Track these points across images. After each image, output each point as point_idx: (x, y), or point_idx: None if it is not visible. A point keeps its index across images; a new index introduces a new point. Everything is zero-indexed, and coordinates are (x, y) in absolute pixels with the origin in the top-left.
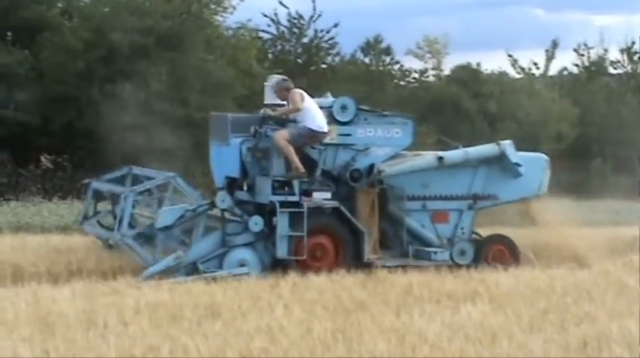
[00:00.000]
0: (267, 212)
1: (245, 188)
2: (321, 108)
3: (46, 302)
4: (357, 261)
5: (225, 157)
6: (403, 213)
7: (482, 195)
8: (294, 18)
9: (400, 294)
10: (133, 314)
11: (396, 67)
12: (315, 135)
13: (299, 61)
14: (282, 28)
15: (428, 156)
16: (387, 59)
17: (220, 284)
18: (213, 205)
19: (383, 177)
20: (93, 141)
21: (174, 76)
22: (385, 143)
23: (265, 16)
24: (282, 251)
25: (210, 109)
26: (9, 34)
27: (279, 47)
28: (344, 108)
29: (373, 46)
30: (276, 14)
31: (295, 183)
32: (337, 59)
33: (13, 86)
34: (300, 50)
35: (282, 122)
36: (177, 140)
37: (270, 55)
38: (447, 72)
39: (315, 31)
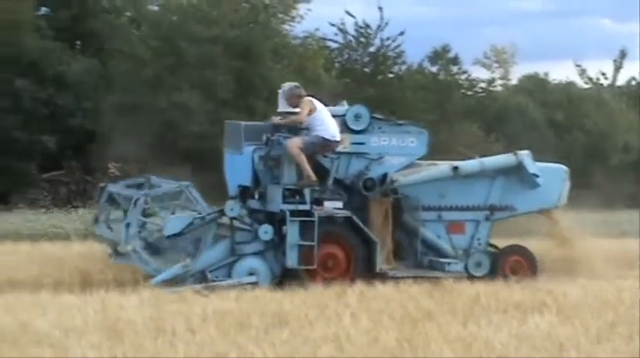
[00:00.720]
0: (277, 221)
1: (256, 196)
2: (334, 116)
3: (114, 309)
4: (369, 272)
5: (238, 165)
6: (418, 224)
7: (499, 206)
8: (361, 27)
9: (467, 304)
10: (201, 322)
11: (464, 76)
12: (327, 144)
13: (366, 70)
14: (349, 37)
15: (443, 166)
16: (455, 68)
17: (287, 292)
18: (222, 213)
19: (396, 187)
20: (162, 148)
21: (241, 85)
22: (400, 152)
23: (332, 25)
24: (291, 260)
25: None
26: (78, 42)
27: (346, 56)
28: (358, 116)
29: (441, 56)
30: (343, 23)
31: (306, 192)
32: (404, 68)
33: (81, 94)
34: (367, 59)
35: (295, 130)
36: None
37: (337, 64)
38: (514, 81)
39: (382, 40)
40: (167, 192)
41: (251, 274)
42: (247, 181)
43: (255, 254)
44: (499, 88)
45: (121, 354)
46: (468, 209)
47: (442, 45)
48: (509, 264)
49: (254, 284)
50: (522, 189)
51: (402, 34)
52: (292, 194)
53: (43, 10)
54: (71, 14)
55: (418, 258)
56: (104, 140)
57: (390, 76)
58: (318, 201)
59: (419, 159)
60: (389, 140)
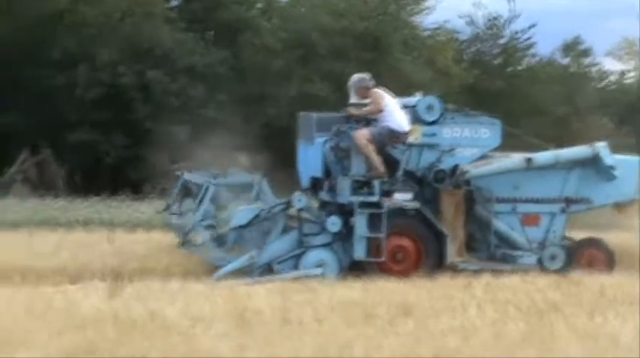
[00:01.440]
0: (346, 212)
1: (326, 188)
2: (405, 107)
3: (242, 298)
4: (439, 264)
5: (309, 157)
6: (491, 216)
7: (575, 199)
8: (491, 19)
9: (593, 296)
10: (327, 312)
11: (595, 68)
12: (395, 135)
13: (496, 62)
14: (478, 29)
15: (516, 158)
16: (586, 61)
17: (413, 283)
18: (289, 205)
19: (467, 178)
20: (288, 140)
21: (371, 76)
22: (472, 144)
23: (462, 17)
24: (359, 252)
25: None
26: (210, 34)
27: (476, 48)
28: (429, 107)
29: (572, 47)
30: (471, 15)
31: (375, 184)
32: (534, 60)
33: (214, 86)
34: (496, 51)
35: (366, 121)
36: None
37: (466, 56)
38: None
39: (512, 32)
40: (238, 183)
41: (319, 266)
42: (318, 172)
43: (323, 246)
44: (631, 80)
45: (250, 344)
46: (543, 201)
47: (573, 37)
48: (585, 257)
49: (320, 276)
50: (599, 181)
51: (532, 26)
52: (361, 186)
53: (175, 1)
54: (203, 6)
55: (491, 250)
56: (236, 131)
57: (520, 68)
58: (387, 193)
59: (493, 150)
60: (461, 131)
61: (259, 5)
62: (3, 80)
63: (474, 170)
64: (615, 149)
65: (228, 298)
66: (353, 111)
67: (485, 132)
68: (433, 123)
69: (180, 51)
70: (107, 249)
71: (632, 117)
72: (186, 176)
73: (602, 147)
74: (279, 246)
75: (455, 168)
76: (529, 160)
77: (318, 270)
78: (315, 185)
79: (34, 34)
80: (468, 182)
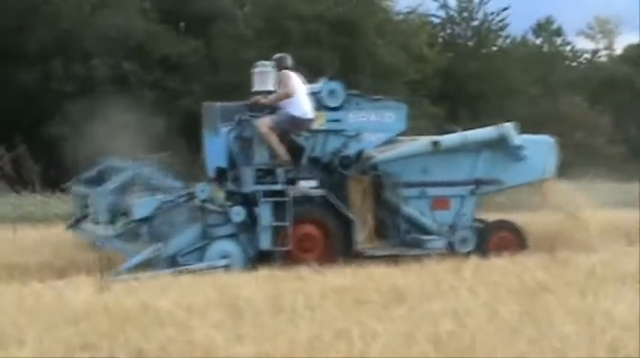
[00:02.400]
0: (251, 202)
1: (231, 178)
2: (310, 94)
3: (232, 288)
4: (348, 251)
5: (214, 147)
6: (400, 201)
7: (485, 180)
8: (464, 1)
9: (583, 275)
10: (320, 299)
11: (568, 47)
12: (299, 122)
13: (469, 44)
14: (451, 12)
15: (422, 141)
16: (559, 40)
17: (402, 268)
18: (192, 196)
19: (373, 164)
20: None
21: (346, 62)
22: (378, 128)
23: (435, 0)
24: (265, 242)
25: (382, 94)
26: (182, 23)
27: (449, 31)
28: (332, 93)
29: (544, 27)
30: None
31: (279, 172)
32: (508, 41)
33: (188, 77)
34: (470, 33)
35: (269, 109)
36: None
37: (440, 39)
38: (618, 52)
39: (485, 14)
40: (125, 179)
41: (224, 257)
42: (224, 163)
43: (228, 237)
44: (603, 59)
45: (244, 333)
46: (452, 184)
47: (546, 17)
48: (496, 239)
49: (226, 267)
50: (508, 162)
51: (506, 9)
52: (264, 174)
53: None
54: None
55: (401, 235)
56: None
57: (494, 49)
58: (292, 181)
59: (399, 134)
60: (367, 116)
61: None
62: None
63: (380, 155)
64: (589, 130)
65: (218, 288)
66: (262, 100)
67: (390, 116)
68: (337, 108)
69: (154, 42)
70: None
71: (604, 96)
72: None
73: (508, 127)
74: (183, 237)
75: (360, 153)
76: (436, 143)
77: (223, 261)
78: (221, 175)
79: (8, 27)
80: (375, 167)
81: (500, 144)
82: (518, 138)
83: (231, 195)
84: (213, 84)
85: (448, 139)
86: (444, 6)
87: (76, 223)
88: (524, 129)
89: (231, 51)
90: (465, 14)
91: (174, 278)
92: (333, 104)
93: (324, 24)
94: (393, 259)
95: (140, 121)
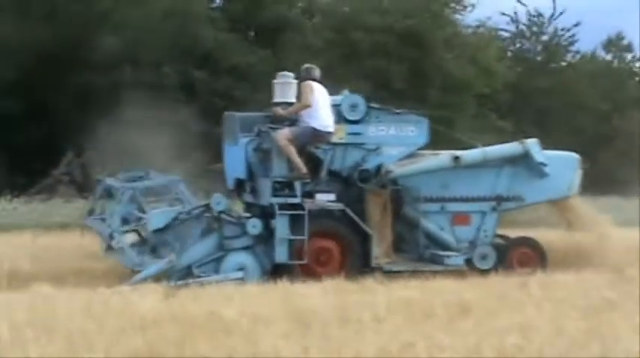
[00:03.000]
0: (269, 214)
1: (248, 190)
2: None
3: (299, 298)
4: (365, 266)
5: (234, 158)
6: (419, 216)
7: (506, 197)
8: (534, 16)
9: None
10: (386, 311)
11: (638, 64)
12: (318, 135)
13: (538, 59)
14: (521, 26)
15: (443, 156)
16: (629, 56)
17: (469, 281)
18: (208, 208)
19: (392, 178)
20: None
21: (414, 74)
22: (399, 142)
23: (504, 14)
24: (281, 255)
25: (451, 107)
26: (251, 33)
27: (519, 45)
28: (353, 106)
29: (614, 43)
30: (515, 12)
31: (297, 185)
32: (577, 57)
33: (257, 85)
34: (539, 48)
35: (289, 121)
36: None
37: (509, 53)
38: None
39: (555, 29)
40: (155, 186)
41: (240, 269)
42: (242, 174)
43: (244, 249)
44: None
45: (311, 344)
46: (473, 200)
47: (616, 32)
48: (517, 256)
49: (241, 280)
50: (530, 178)
51: (577, 24)
52: (282, 187)
53: (217, 1)
54: (244, 6)
55: (420, 251)
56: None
57: (563, 64)
58: (309, 194)
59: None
60: (387, 129)
61: (301, 4)
62: (47, 81)
63: (399, 169)
64: None
65: (284, 298)
66: (280, 111)
67: (412, 130)
68: (357, 121)
69: (223, 51)
70: None
71: None
72: (108, 181)
73: (532, 143)
74: (199, 249)
75: (379, 167)
76: (456, 158)
77: (239, 274)
78: (240, 187)
79: (78, 35)
80: (395, 181)
81: (523, 160)
82: (541, 154)
83: (249, 207)
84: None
85: (469, 154)
86: (514, 20)
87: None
88: (593, 145)
89: (300, 61)
90: (535, 29)
91: (239, 286)
92: (353, 117)
93: (393, 36)
94: (457, 273)
95: (207, 129)
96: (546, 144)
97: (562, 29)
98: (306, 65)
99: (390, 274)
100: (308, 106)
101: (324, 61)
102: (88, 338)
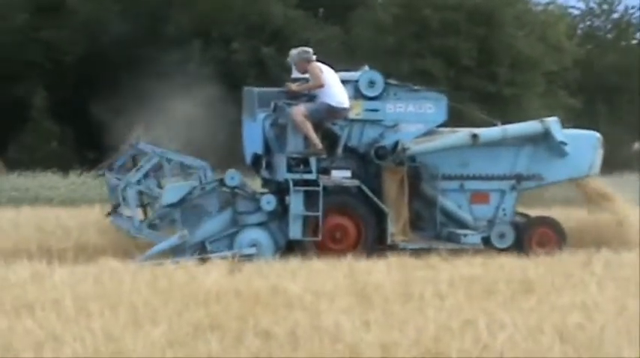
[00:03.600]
0: (284, 190)
1: (264, 165)
2: (347, 82)
3: (362, 274)
4: (380, 243)
5: (252, 133)
6: (437, 193)
7: (526, 175)
8: None
9: None
10: (448, 288)
11: None
12: (334, 111)
13: (608, 36)
14: (591, 4)
15: (461, 134)
16: None
17: (533, 260)
18: (222, 183)
19: (409, 155)
20: None
21: (483, 52)
22: (417, 119)
23: None
24: (295, 231)
25: (520, 85)
26: (321, 10)
27: (588, 23)
28: (371, 82)
29: None
30: None
31: (312, 161)
32: None
33: (325, 62)
34: (609, 26)
35: (307, 97)
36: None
37: (579, 31)
38: None
39: (626, 7)
40: (182, 162)
41: (253, 246)
42: (259, 149)
43: (258, 225)
44: None
45: (372, 319)
46: (492, 178)
47: None
48: (537, 236)
49: (253, 256)
50: (550, 157)
51: None
52: (297, 163)
53: None
54: None
55: (437, 229)
56: None
57: (634, 42)
58: (325, 170)
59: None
60: (405, 107)
61: None
62: (118, 57)
63: (416, 146)
64: None
65: (348, 274)
66: (293, 87)
67: (430, 107)
68: (375, 98)
69: (292, 27)
70: None
71: None
72: (140, 145)
73: (553, 122)
74: (212, 224)
75: (396, 144)
76: (475, 136)
77: (252, 250)
78: (258, 162)
79: (148, 11)
80: (413, 159)
81: (543, 139)
82: (562, 133)
83: (266, 183)
84: (351, 69)
85: (488, 132)
86: None
87: (114, 210)
88: None
89: (370, 38)
90: (605, 7)
91: (304, 262)
92: (371, 94)
93: (462, 13)
94: (516, 252)
95: None
96: (616, 122)
97: (632, 7)
98: (302, 48)
99: (454, 251)
100: (321, 86)
101: (393, 38)
102: (152, 311)
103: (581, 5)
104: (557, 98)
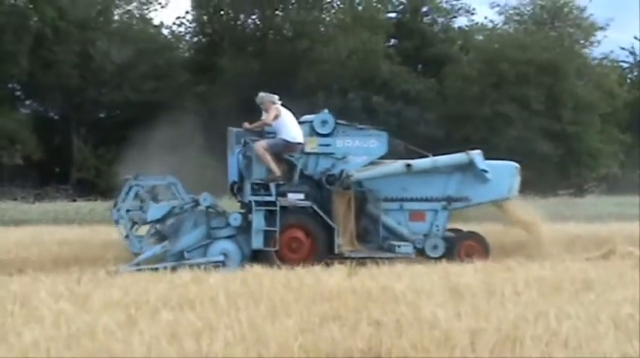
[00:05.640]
0: (250, 210)
1: (236, 190)
2: (305, 122)
3: (454, 275)
4: (330, 253)
5: (231, 165)
6: (380, 212)
7: (455, 198)
8: None
9: None
10: (524, 286)
11: None
12: (289, 146)
13: None
14: (638, 58)
15: (397, 164)
16: None
17: (592, 263)
18: (197, 203)
19: (352, 181)
20: (486, 150)
21: (550, 98)
22: (362, 152)
23: (623, 48)
24: (257, 243)
25: (581, 124)
26: (420, 66)
27: (636, 73)
28: (324, 122)
29: None
30: (632, 46)
31: (272, 186)
32: None
33: (424, 108)
34: None
35: (267, 134)
36: (552, 149)
37: (628, 80)
38: None
39: None
40: (154, 184)
41: (224, 255)
42: (235, 177)
43: (227, 237)
44: None
45: (463, 312)
46: (427, 200)
47: None
48: (464, 247)
49: (222, 263)
50: (475, 183)
51: None
52: (259, 187)
53: (392, 41)
54: (414, 44)
55: (380, 241)
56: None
57: None
58: (282, 194)
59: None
60: (352, 142)
61: (459, 42)
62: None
63: (357, 174)
64: None
65: (443, 275)
66: (247, 125)
67: (373, 142)
68: (327, 135)
69: (397, 80)
70: None
71: None
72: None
73: (476, 154)
74: (190, 237)
75: (341, 172)
76: (408, 166)
77: (220, 257)
78: (233, 187)
79: (281, 68)
80: (360, 184)
81: (469, 168)
82: (484, 163)
83: (243, 205)
84: (444, 114)
85: (420, 162)
86: (632, 53)
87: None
88: None
89: (459, 87)
90: None
91: (407, 266)
92: (324, 131)
93: (533, 67)
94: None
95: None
96: None
97: None
98: (268, 94)
99: (528, 256)
100: (268, 124)
101: (477, 87)
102: (287, 305)
103: (630, 59)
104: (612, 134)
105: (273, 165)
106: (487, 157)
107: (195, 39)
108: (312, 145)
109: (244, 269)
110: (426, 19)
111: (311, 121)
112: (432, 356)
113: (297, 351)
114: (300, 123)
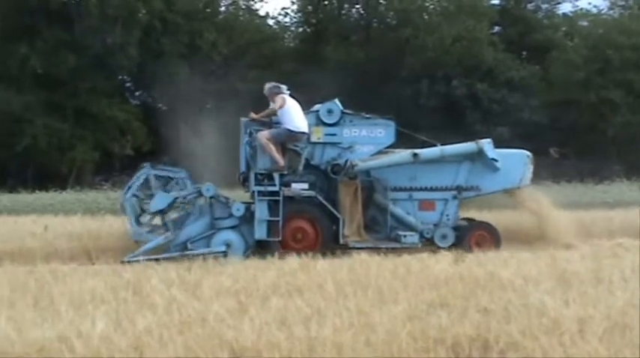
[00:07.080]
0: (254, 199)
1: (241, 180)
2: (311, 112)
3: (561, 262)
4: (335, 243)
5: (241, 155)
6: (387, 202)
7: (465, 187)
8: None
9: None
10: (631, 273)
11: None
12: (293, 135)
13: None
14: None
15: (404, 153)
16: None
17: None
18: (200, 193)
19: (356, 171)
20: (592, 136)
21: None
22: (369, 142)
23: None
24: (260, 233)
25: None
26: (524, 53)
27: None
28: (330, 111)
29: None
30: None
31: (276, 176)
32: None
33: (528, 94)
34: None
35: (275, 124)
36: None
37: None
38: None
39: None
40: (169, 174)
41: (227, 245)
42: (243, 167)
43: (231, 228)
44: None
45: (571, 299)
46: (437, 189)
47: None
48: (475, 237)
49: (224, 253)
50: (486, 172)
51: None
52: (263, 177)
53: (496, 28)
54: (518, 31)
55: (388, 231)
56: (547, 129)
57: None
58: (286, 183)
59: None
60: (359, 131)
61: (564, 28)
62: (366, 92)
63: (362, 163)
64: None
65: (550, 262)
66: (253, 115)
67: (380, 131)
68: (333, 124)
69: (501, 67)
70: None
71: None
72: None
73: (485, 143)
74: (194, 227)
75: (346, 162)
76: (415, 155)
77: (222, 248)
78: (241, 177)
79: (386, 55)
80: (368, 173)
81: (478, 157)
82: (493, 152)
83: (252, 194)
84: (548, 101)
85: (428, 152)
86: None
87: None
88: None
89: (563, 74)
90: None
91: (514, 253)
92: (330, 121)
93: (638, 52)
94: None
95: (487, 129)
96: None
97: None
98: (274, 83)
99: (635, 244)
100: (274, 113)
101: (582, 73)
102: (395, 292)
103: None
104: None
105: (277, 155)
106: (591, 146)
107: (300, 29)
108: (319, 135)
109: (351, 257)
110: (529, 6)
111: (317, 111)
112: (541, 343)
113: (405, 338)
114: (306, 112)
